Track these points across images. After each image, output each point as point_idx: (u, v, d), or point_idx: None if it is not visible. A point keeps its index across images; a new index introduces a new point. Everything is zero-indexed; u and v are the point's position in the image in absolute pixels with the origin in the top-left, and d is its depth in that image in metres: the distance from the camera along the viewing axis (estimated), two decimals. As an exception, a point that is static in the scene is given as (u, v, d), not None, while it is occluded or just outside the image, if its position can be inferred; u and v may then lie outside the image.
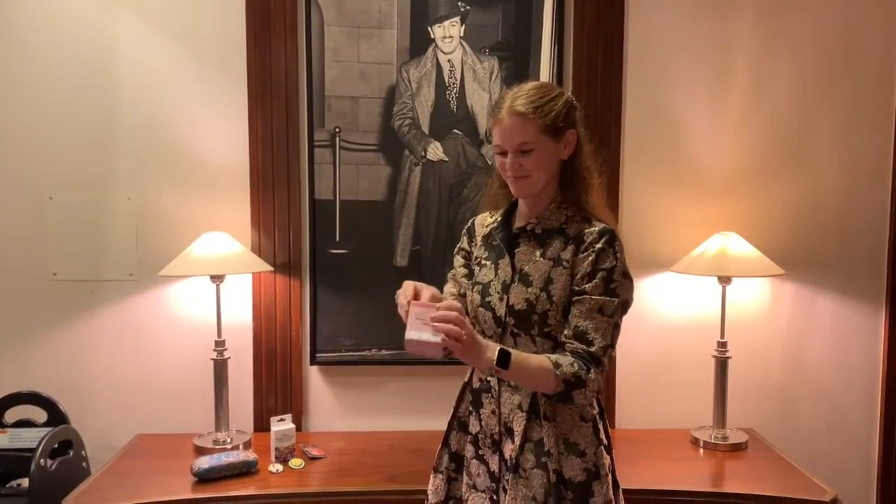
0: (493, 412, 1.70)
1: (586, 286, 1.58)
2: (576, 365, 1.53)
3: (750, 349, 2.67)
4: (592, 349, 1.55)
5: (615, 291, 1.58)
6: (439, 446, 1.82)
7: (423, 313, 1.47)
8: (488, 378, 1.70)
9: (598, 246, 1.59)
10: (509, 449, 1.66)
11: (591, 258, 1.59)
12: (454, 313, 1.44)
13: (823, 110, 2.66)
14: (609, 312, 1.58)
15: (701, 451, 2.49)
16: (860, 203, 2.69)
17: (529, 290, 1.62)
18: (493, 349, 1.51)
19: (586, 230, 1.62)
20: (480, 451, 1.72)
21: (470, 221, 1.87)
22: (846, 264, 2.70)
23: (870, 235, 2.70)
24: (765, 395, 2.72)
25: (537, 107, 1.60)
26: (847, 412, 2.76)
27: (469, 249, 1.83)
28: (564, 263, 1.61)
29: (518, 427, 1.64)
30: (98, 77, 2.53)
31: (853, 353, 2.74)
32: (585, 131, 1.69)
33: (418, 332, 1.46)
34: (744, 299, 2.67)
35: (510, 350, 1.53)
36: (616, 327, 1.60)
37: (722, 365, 2.51)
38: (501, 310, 1.66)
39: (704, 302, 2.64)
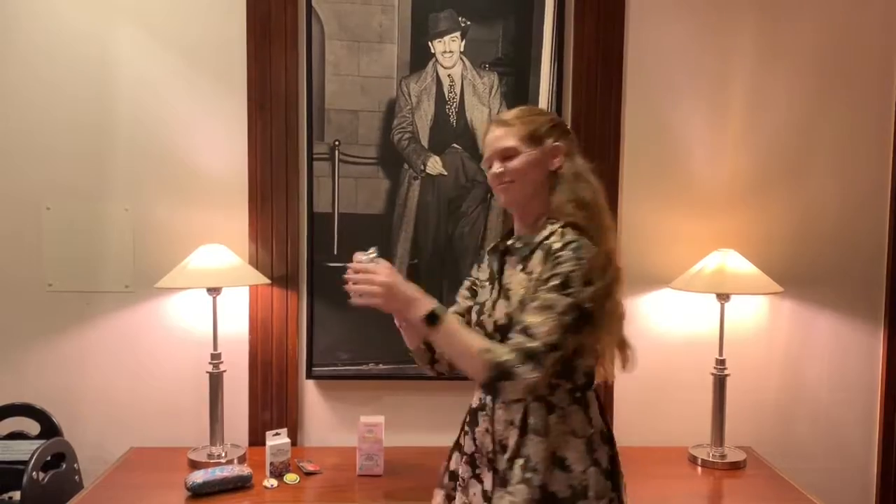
0: (486, 430, 1.68)
1: (542, 287, 1.54)
2: (510, 356, 1.48)
3: (748, 367, 2.66)
4: (531, 345, 1.48)
5: (571, 294, 1.52)
6: (444, 462, 1.82)
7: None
8: (486, 396, 1.69)
9: (562, 253, 1.54)
10: (502, 465, 1.64)
11: (550, 264, 1.55)
12: (363, 274, 1.57)
13: (821, 127, 2.66)
14: (560, 310, 1.50)
15: (699, 469, 2.47)
16: (858, 220, 2.69)
17: (508, 304, 1.62)
18: (426, 306, 1.56)
19: (554, 240, 1.58)
20: (477, 470, 1.70)
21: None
22: (844, 282, 2.70)
23: (868, 253, 2.70)
24: (763, 413, 2.71)
25: (519, 117, 1.68)
26: (845, 430, 2.75)
27: (476, 277, 1.85)
28: (537, 275, 1.58)
29: (511, 443, 1.63)
30: (96, 87, 2.52)
31: (851, 371, 2.73)
32: (578, 148, 1.70)
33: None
34: (742, 317, 2.66)
35: (446, 314, 1.57)
36: (567, 329, 1.51)
37: (720, 382, 2.50)
38: (490, 326, 1.66)
39: (703, 319, 2.63)
